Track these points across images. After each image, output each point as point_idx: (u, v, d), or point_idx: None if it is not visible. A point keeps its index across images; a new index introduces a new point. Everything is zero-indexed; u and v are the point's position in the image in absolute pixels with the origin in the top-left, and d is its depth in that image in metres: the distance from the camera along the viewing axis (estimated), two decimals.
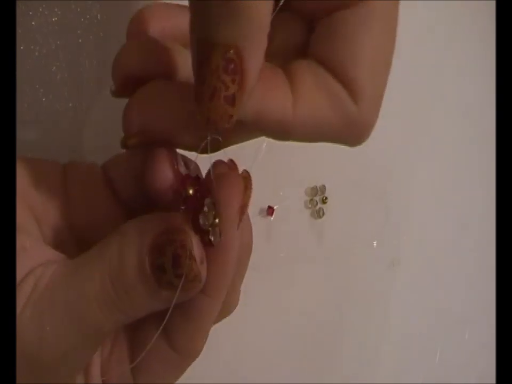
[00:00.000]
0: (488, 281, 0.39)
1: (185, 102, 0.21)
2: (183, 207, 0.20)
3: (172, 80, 0.22)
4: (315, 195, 0.39)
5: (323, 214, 0.38)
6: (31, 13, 0.33)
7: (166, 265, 0.19)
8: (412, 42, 0.43)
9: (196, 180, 0.21)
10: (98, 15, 0.34)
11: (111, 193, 0.24)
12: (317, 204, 0.38)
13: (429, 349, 0.39)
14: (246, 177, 0.22)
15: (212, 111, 0.18)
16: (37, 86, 0.33)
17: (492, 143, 0.39)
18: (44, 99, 0.33)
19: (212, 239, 0.20)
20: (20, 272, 0.20)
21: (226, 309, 0.24)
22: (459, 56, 0.45)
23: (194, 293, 0.20)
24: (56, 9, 0.34)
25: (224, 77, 0.17)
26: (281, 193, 0.38)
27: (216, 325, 0.24)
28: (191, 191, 0.20)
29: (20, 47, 0.33)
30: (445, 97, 0.43)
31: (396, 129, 0.42)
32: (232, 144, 0.23)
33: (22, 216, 0.22)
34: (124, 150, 0.23)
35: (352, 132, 0.21)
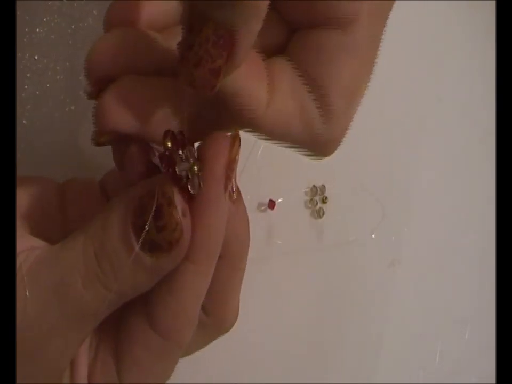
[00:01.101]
0: (488, 281, 0.39)
1: (158, 98, 0.20)
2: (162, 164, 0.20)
3: (145, 75, 0.21)
4: (315, 195, 0.39)
5: (323, 213, 0.38)
6: (35, 23, 0.33)
7: (148, 222, 0.19)
8: (412, 42, 0.43)
9: (174, 135, 0.20)
10: (94, 21, 0.34)
11: None
12: (317, 203, 0.38)
13: (429, 349, 0.39)
14: (235, 136, 0.21)
15: (196, 78, 0.17)
16: (37, 93, 0.33)
17: (492, 143, 0.39)
18: (43, 104, 0.33)
19: (189, 187, 0.20)
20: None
21: (221, 322, 0.23)
22: (459, 56, 0.45)
23: (178, 256, 0.20)
24: (57, 20, 0.34)
25: (212, 51, 0.17)
26: (281, 193, 0.38)
27: None
28: (169, 144, 0.20)
29: (25, 55, 0.33)
30: (445, 97, 0.43)
31: (396, 129, 0.42)
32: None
33: None
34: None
35: (316, 147, 0.22)
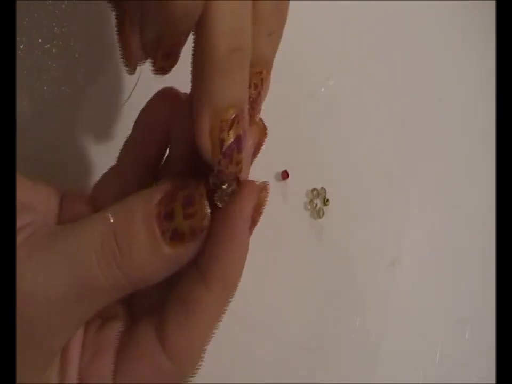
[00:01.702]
0: (488, 281, 0.39)
1: None
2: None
3: None
4: (315, 197, 0.39)
5: (323, 214, 0.38)
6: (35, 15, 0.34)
7: (176, 210, 0.20)
8: (412, 42, 0.43)
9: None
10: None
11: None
12: (316, 205, 0.38)
13: (429, 349, 0.39)
14: (265, 184, 0.22)
15: None
16: (35, 78, 0.34)
17: (492, 143, 0.39)
18: (41, 88, 0.34)
19: (217, 199, 0.21)
20: (20, 221, 0.20)
21: (184, 366, 0.22)
22: (459, 56, 0.45)
23: (195, 248, 0.21)
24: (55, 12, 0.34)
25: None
26: (281, 193, 0.38)
27: None
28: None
29: (20, 46, 0.33)
30: (445, 97, 0.43)
31: (396, 129, 0.42)
32: None
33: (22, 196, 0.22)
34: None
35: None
